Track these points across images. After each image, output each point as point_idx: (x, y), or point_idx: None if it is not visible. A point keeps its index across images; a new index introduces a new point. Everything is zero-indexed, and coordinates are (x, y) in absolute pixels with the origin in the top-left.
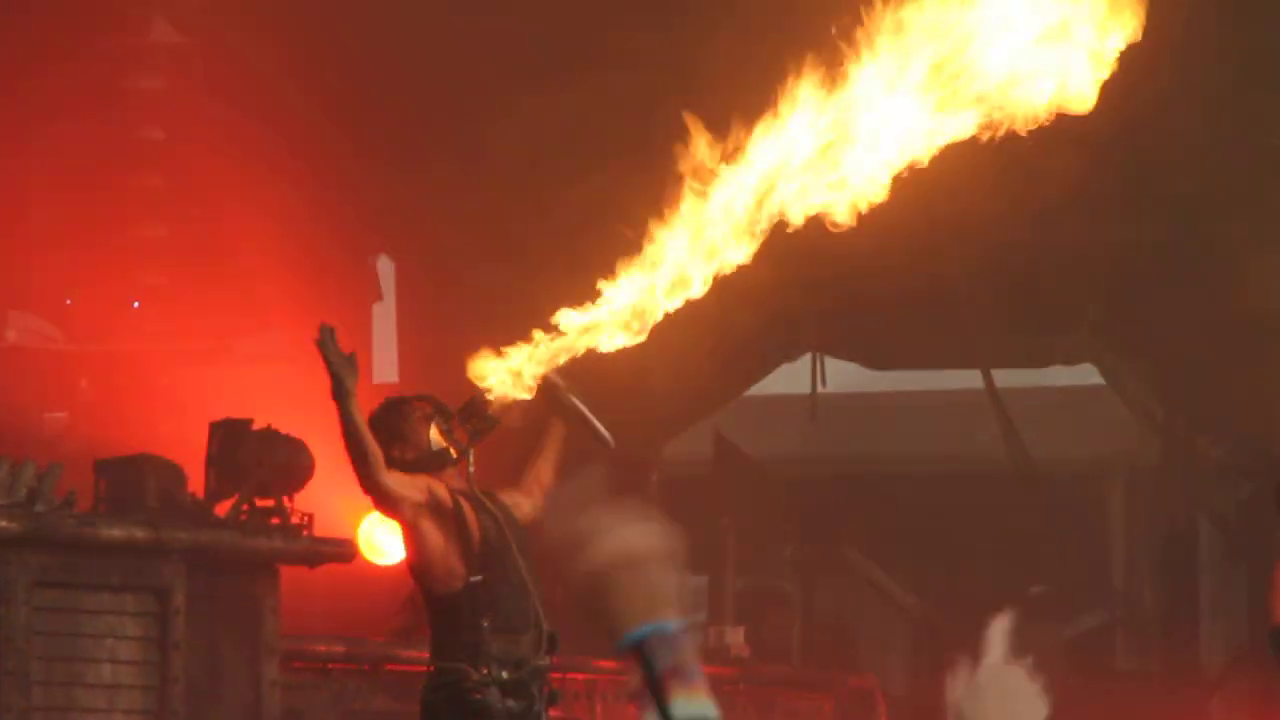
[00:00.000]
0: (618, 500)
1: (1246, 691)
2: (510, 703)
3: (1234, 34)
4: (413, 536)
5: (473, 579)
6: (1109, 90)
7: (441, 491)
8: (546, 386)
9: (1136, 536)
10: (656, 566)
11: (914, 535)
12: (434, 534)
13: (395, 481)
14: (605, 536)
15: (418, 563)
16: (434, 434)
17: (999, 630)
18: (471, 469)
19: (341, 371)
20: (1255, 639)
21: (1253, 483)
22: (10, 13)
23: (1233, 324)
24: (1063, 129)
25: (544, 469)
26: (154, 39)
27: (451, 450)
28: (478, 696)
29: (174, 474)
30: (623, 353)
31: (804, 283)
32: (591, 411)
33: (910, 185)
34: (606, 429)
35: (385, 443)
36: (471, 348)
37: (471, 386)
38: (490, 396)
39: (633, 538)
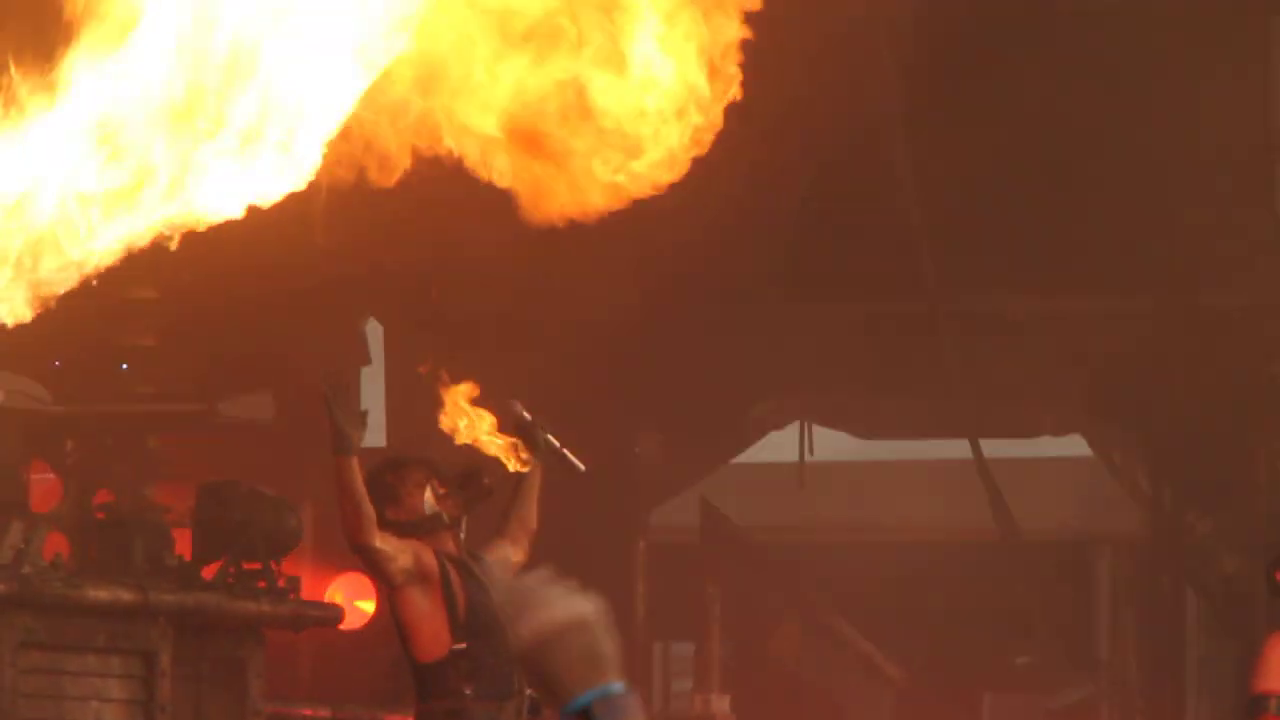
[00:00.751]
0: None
1: None
2: None
3: None
4: (399, 601)
5: (456, 646)
6: None
7: (429, 559)
8: (515, 419)
9: (1122, 609)
10: (596, 630)
11: (901, 604)
12: (420, 600)
13: (386, 543)
14: (542, 604)
15: (403, 628)
16: (428, 498)
17: None
18: (463, 536)
19: (347, 427)
20: (1239, 713)
21: (1241, 556)
22: None
23: (1223, 397)
24: None
25: (527, 513)
26: None
27: (444, 516)
28: None
29: (161, 536)
30: (609, 418)
31: (789, 350)
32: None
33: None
34: (578, 460)
35: (379, 503)
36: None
37: (463, 454)
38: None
39: (569, 604)
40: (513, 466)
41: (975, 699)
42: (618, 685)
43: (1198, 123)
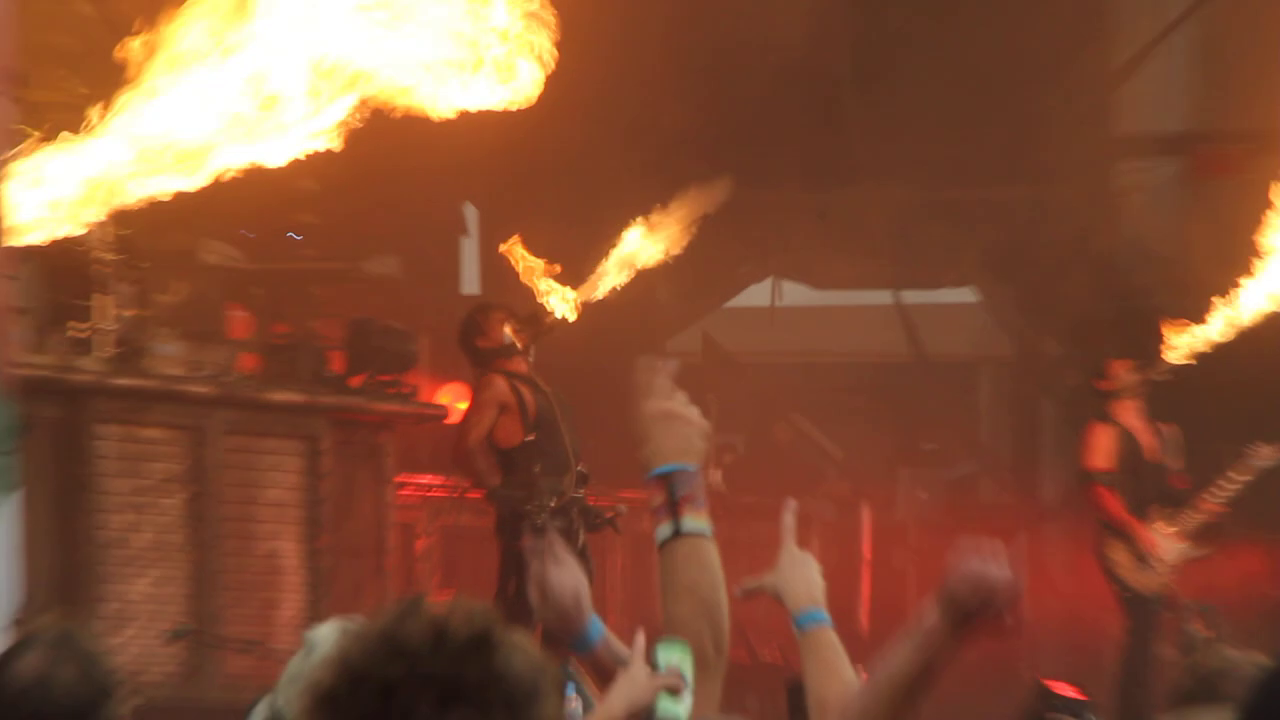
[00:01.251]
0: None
1: (1070, 518)
2: (556, 522)
3: None
4: (488, 410)
5: (528, 438)
6: None
7: (501, 389)
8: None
9: (998, 410)
10: (694, 428)
11: (842, 406)
12: (501, 416)
13: (478, 435)
14: (668, 397)
15: (492, 428)
16: (507, 331)
17: (789, 519)
18: (531, 359)
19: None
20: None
21: (1080, 372)
22: None
23: (1065, 258)
24: None
25: None
26: None
27: (517, 344)
28: (532, 517)
29: (321, 356)
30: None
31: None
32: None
33: None
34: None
35: (472, 335)
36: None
37: (535, 303)
38: (548, 310)
39: (683, 405)
40: (567, 314)
41: (893, 472)
42: (694, 466)
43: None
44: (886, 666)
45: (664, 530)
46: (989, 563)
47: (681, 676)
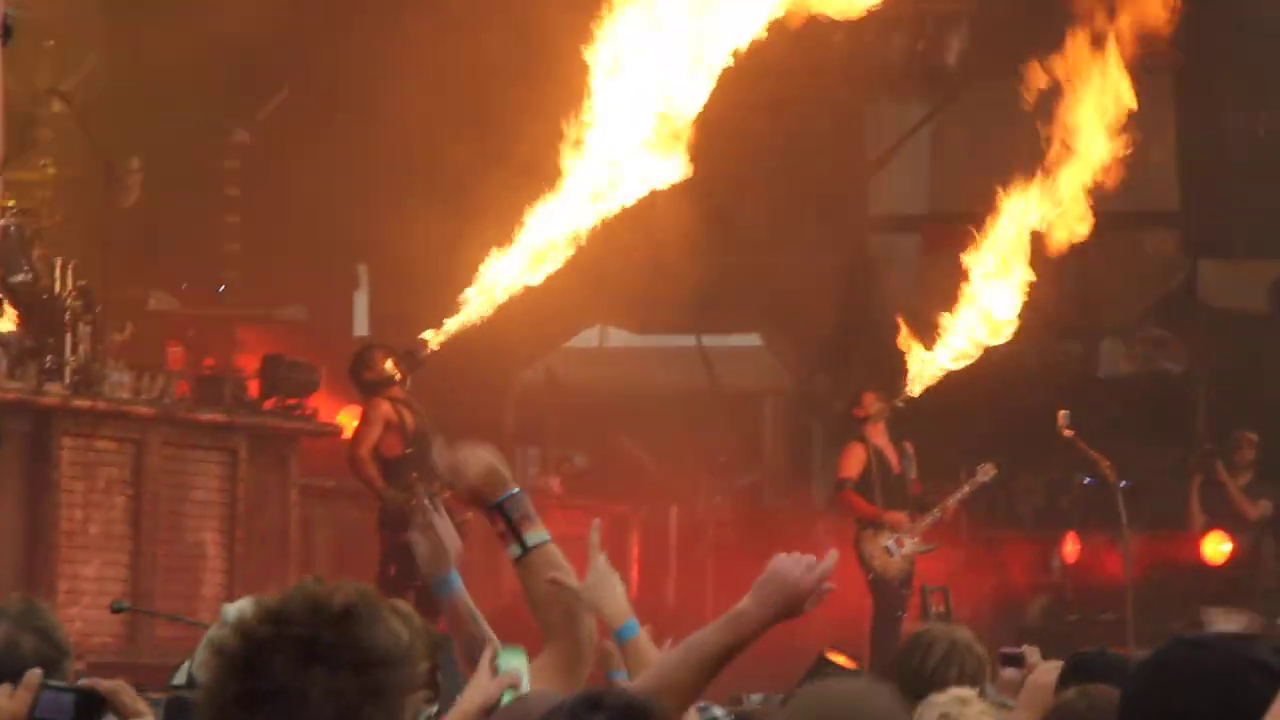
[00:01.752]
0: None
1: (834, 518)
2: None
3: None
4: (373, 427)
5: (407, 451)
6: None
7: (386, 410)
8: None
9: (778, 431)
10: (492, 462)
11: (655, 427)
12: (387, 431)
13: (366, 447)
14: (472, 458)
15: (379, 441)
16: (388, 366)
17: (595, 537)
18: (407, 387)
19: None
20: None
21: (843, 402)
22: None
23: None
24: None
25: None
26: None
27: (396, 375)
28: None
29: (241, 384)
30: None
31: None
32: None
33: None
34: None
35: (360, 369)
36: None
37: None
38: (425, 347)
39: (486, 455)
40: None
41: (695, 479)
42: (516, 490)
43: None
44: (701, 639)
45: (514, 550)
46: (804, 572)
47: (519, 677)
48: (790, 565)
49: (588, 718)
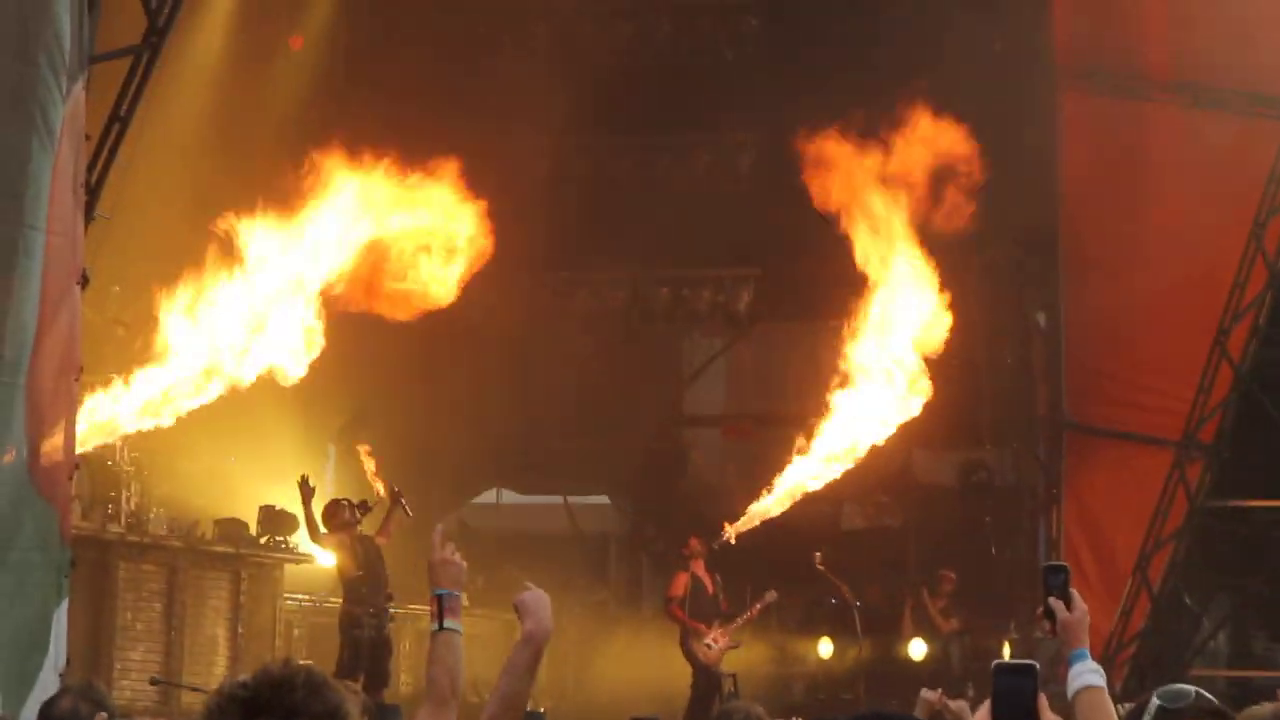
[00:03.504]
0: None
1: (663, 625)
2: (375, 625)
3: None
4: (338, 556)
5: (358, 573)
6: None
7: (348, 537)
8: (391, 492)
9: (621, 562)
10: (460, 569)
11: (538, 561)
12: (345, 555)
13: (328, 541)
14: (446, 551)
15: (338, 565)
16: (347, 515)
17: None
18: (360, 527)
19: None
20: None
21: (665, 542)
22: None
23: (663, 481)
24: None
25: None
26: None
27: (355, 518)
28: (363, 623)
29: (244, 527)
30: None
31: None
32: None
33: None
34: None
35: (331, 517)
36: None
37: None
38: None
39: (454, 555)
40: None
41: (561, 596)
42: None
43: None
44: (515, 661)
45: (434, 626)
46: (543, 613)
47: None
48: (536, 595)
49: None
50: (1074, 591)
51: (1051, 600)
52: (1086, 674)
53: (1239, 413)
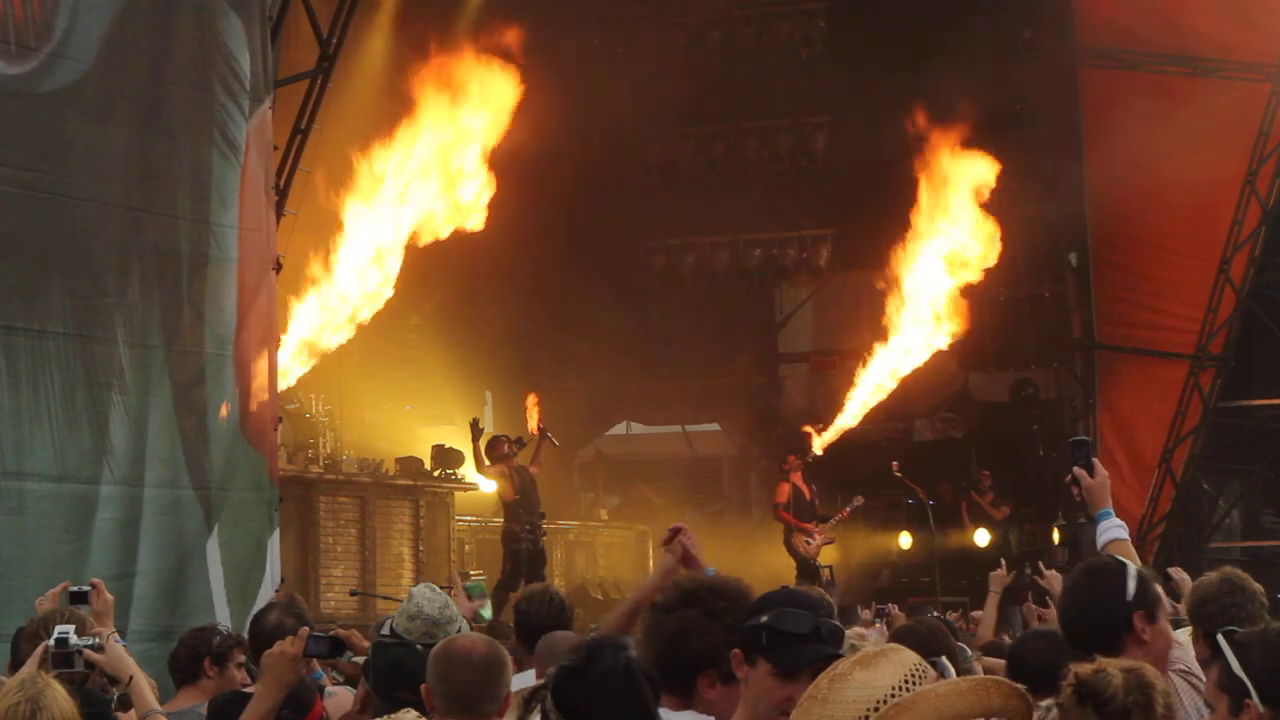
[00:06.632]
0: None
1: (767, 528)
2: (531, 540)
3: None
4: (499, 483)
5: (516, 496)
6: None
7: (507, 467)
8: (542, 430)
9: (732, 478)
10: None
11: (664, 481)
12: (505, 484)
13: (490, 472)
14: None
15: (500, 490)
16: (509, 447)
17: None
18: (516, 459)
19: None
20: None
21: (769, 464)
22: None
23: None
24: None
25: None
26: None
27: (514, 449)
28: (521, 539)
29: (421, 462)
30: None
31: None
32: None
33: None
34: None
35: (495, 448)
36: None
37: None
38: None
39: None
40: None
41: (682, 508)
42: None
43: None
44: (637, 598)
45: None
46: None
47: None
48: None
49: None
50: (1096, 460)
51: (1076, 469)
52: (1112, 529)
53: (1241, 328)
